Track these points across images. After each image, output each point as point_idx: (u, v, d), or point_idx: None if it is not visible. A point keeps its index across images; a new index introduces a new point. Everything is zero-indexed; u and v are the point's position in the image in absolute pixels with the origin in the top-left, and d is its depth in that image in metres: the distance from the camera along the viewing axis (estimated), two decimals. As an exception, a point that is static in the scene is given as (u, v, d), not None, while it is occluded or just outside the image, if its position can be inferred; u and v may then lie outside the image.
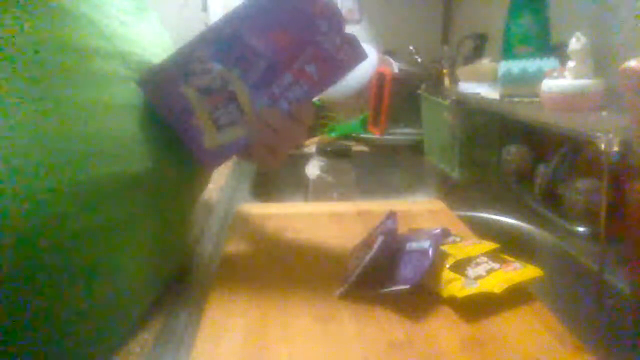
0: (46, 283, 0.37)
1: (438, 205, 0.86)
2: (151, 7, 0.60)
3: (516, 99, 0.92)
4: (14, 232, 0.34)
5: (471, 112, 1.13)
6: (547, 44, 0.92)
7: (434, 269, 0.53)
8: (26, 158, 0.35)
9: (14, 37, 0.37)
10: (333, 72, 0.51)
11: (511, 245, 0.67)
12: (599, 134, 0.62)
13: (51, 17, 0.40)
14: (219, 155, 0.52)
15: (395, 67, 1.60)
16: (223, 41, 0.49)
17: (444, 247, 0.58)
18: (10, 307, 0.36)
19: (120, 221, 0.43)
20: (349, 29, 0.48)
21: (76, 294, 0.40)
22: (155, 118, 0.49)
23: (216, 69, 0.49)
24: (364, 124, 1.58)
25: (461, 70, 1.20)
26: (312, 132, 1.53)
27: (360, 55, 0.50)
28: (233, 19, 0.49)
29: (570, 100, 0.77)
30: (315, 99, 0.56)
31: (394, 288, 0.52)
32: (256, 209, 0.87)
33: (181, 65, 0.49)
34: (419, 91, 1.40)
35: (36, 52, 0.38)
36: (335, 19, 0.49)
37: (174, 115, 0.50)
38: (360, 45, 0.50)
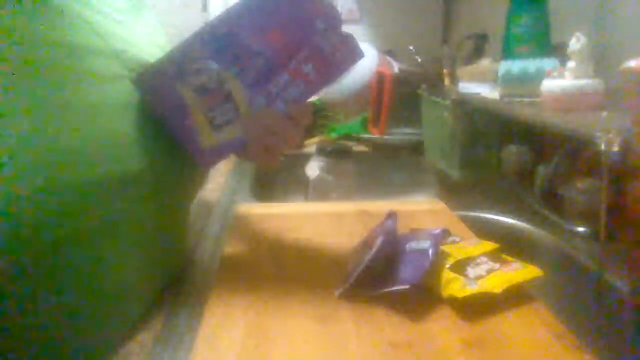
0: (45, 283, 0.37)
1: (438, 205, 0.86)
2: (150, 7, 0.60)
3: (516, 99, 0.92)
4: (10, 233, 0.34)
5: (471, 112, 1.13)
6: (547, 44, 0.92)
7: (434, 269, 0.53)
8: (20, 158, 0.35)
9: (5, 35, 0.37)
10: (330, 71, 0.50)
11: (511, 245, 0.67)
12: (599, 134, 0.62)
13: (44, 16, 0.40)
14: (215, 155, 0.52)
15: (395, 67, 1.59)
16: (219, 40, 0.48)
17: (444, 247, 0.58)
18: (9, 308, 0.36)
19: (118, 221, 0.43)
20: (349, 29, 0.48)
21: (75, 294, 0.40)
22: (151, 117, 0.49)
23: (212, 68, 0.49)
24: (364, 124, 1.58)
25: (461, 70, 1.20)
26: (309, 131, 1.53)
27: (357, 55, 0.50)
28: (230, 18, 0.49)
29: (570, 100, 0.77)
30: (315, 99, 0.56)
31: (394, 288, 0.52)
32: (256, 209, 0.87)
33: (177, 64, 0.49)
34: (419, 91, 1.40)
35: (28, 50, 0.38)
36: (332, 19, 0.49)
37: (170, 115, 0.50)
38: (357, 45, 0.50)
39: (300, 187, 1.28)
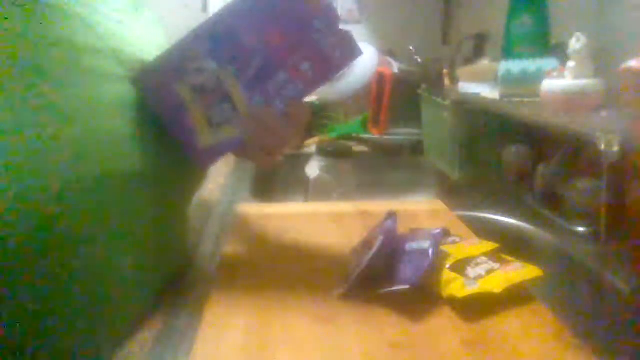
0: (44, 283, 0.37)
1: (438, 205, 0.86)
2: (150, 7, 0.60)
3: (516, 99, 0.92)
4: (10, 234, 0.34)
5: (471, 112, 1.13)
6: (547, 44, 0.92)
7: (434, 269, 0.53)
8: (19, 158, 0.35)
9: (2, 35, 0.37)
10: (328, 70, 0.50)
11: (511, 245, 0.67)
12: (599, 134, 0.62)
13: (42, 16, 0.40)
14: (213, 154, 0.52)
15: (395, 67, 1.60)
16: (217, 39, 0.48)
17: (444, 247, 0.58)
18: (10, 308, 0.36)
19: (116, 220, 0.43)
20: (349, 29, 0.48)
21: (75, 294, 0.40)
22: (149, 116, 0.49)
23: (210, 67, 0.49)
24: (364, 124, 1.58)
25: (461, 70, 1.20)
26: (308, 131, 1.53)
27: (355, 53, 0.50)
28: (227, 17, 0.49)
29: (570, 100, 0.77)
30: (315, 99, 0.56)
31: (394, 288, 0.52)
32: (256, 209, 0.87)
33: (175, 64, 0.49)
34: (419, 91, 1.40)
35: (27, 50, 0.38)
36: (330, 17, 0.49)
37: (168, 114, 0.50)
38: (356, 43, 0.50)
39: (300, 187, 1.28)
